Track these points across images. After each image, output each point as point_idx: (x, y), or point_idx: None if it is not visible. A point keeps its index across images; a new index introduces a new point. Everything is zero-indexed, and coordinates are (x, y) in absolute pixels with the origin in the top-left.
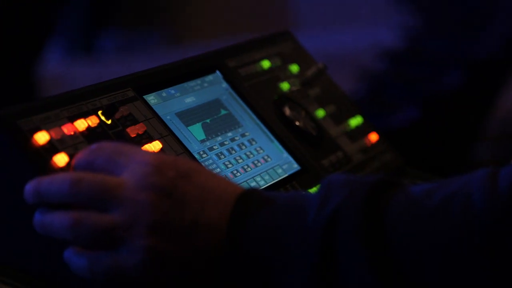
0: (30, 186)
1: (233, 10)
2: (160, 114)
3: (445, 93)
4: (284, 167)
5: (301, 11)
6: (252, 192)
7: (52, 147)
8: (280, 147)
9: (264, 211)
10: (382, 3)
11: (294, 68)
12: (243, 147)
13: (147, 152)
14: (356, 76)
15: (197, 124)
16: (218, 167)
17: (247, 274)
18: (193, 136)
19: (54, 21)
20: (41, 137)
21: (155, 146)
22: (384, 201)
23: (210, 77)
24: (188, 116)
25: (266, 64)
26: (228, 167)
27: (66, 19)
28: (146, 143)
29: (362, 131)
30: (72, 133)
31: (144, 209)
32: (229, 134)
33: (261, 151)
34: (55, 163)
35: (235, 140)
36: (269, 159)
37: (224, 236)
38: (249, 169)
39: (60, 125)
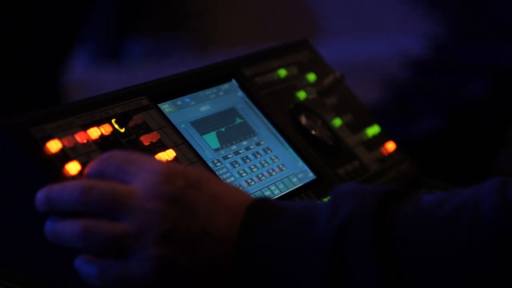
0: (41, 194)
1: (260, 17)
2: (174, 122)
3: (470, 102)
4: (299, 176)
5: (328, 19)
6: (263, 202)
7: (64, 155)
8: (296, 156)
9: (274, 221)
10: (408, 12)
11: (311, 77)
12: (258, 156)
13: (157, 161)
14: (380, 85)
15: (212, 132)
16: (232, 176)
17: (256, 284)
18: (208, 144)
19: (80, 27)
20: (54, 145)
21: (168, 154)
22: (394, 211)
23: (226, 86)
24: (202, 125)
25: (282, 72)
26: (242, 176)
27: (93, 25)
28: (160, 151)
29: (379, 140)
30: (85, 141)
31: (153, 218)
32: (244, 143)
33: (276, 160)
34: (67, 171)
35: (250, 149)
36: (284, 168)
37: (234, 245)
38: (263, 178)
39: (73, 133)
